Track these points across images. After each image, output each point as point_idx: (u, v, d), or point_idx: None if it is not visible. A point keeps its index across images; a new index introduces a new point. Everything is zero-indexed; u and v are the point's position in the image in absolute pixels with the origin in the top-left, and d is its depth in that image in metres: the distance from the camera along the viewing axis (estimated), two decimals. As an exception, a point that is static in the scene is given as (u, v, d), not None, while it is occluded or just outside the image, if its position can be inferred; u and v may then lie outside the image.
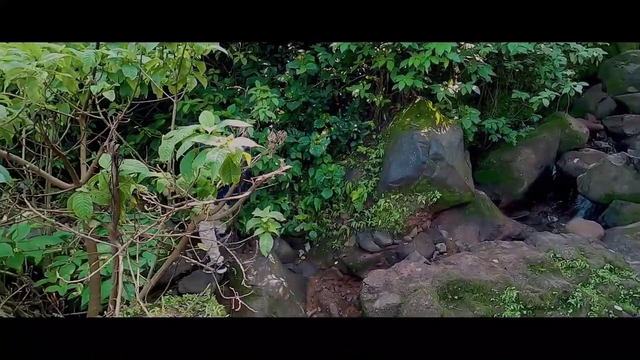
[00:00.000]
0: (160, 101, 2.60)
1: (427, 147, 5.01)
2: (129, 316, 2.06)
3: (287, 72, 5.47)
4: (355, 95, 5.28)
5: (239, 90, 5.37)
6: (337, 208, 5.23)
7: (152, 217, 2.20)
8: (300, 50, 5.58)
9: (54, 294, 2.76)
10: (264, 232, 2.37)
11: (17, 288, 2.67)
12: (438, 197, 5.02)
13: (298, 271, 5.09)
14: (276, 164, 4.74)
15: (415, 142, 5.01)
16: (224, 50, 2.13)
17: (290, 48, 5.89)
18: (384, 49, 5.07)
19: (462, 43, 5.33)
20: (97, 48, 2.09)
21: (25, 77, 1.48)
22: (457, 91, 5.20)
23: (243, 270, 1.90)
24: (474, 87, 5.15)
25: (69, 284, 2.41)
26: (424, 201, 5.01)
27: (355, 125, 5.37)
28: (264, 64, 5.71)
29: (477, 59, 5.25)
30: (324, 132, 5.23)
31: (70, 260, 2.64)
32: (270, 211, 2.37)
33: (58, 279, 2.60)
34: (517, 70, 5.89)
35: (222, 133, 1.72)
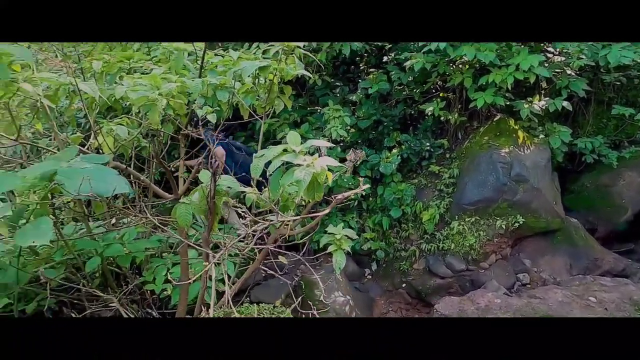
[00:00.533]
0: (242, 122, 2.84)
1: (508, 167, 4.66)
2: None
3: (359, 91, 5.57)
4: (429, 113, 5.16)
5: (319, 110, 5.56)
6: (406, 228, 5.08)
7: (234, 227, 2.38)
8: (372, 70, 5.65)
9: (149, 291, 3.11)
10: (336, 249, 2.41)
11: (121, 284, 3.06)
12: (521, 222, 4.60)
13: (364, 290, 5.01)
14: (345, 180, 4.80)
15: (495, 162, 4.69)
16: (308, 73, 2.26)
17: (362, 68, 6.00)
18: (460, 66, 4.90)
19: (550, 56, 4.93)
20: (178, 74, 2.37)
21: (148, 103, 1.74)
22: (543, 107, 4.79)
23: (322, 286, 1.94)
24: (565, 103, 4.69)
25: (165, 283, 2.69)
26: (503, 226, 4.63)
27: (428, 144, 5.22)
28: (337, 83, 5.89)
29: (568, 72, 4.80)
30: (394, 150, 5.17)
31: (166, 264, 2.96)
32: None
33: (154, 278, 2.93)
34: (618, 83, 5.24)
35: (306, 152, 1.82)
